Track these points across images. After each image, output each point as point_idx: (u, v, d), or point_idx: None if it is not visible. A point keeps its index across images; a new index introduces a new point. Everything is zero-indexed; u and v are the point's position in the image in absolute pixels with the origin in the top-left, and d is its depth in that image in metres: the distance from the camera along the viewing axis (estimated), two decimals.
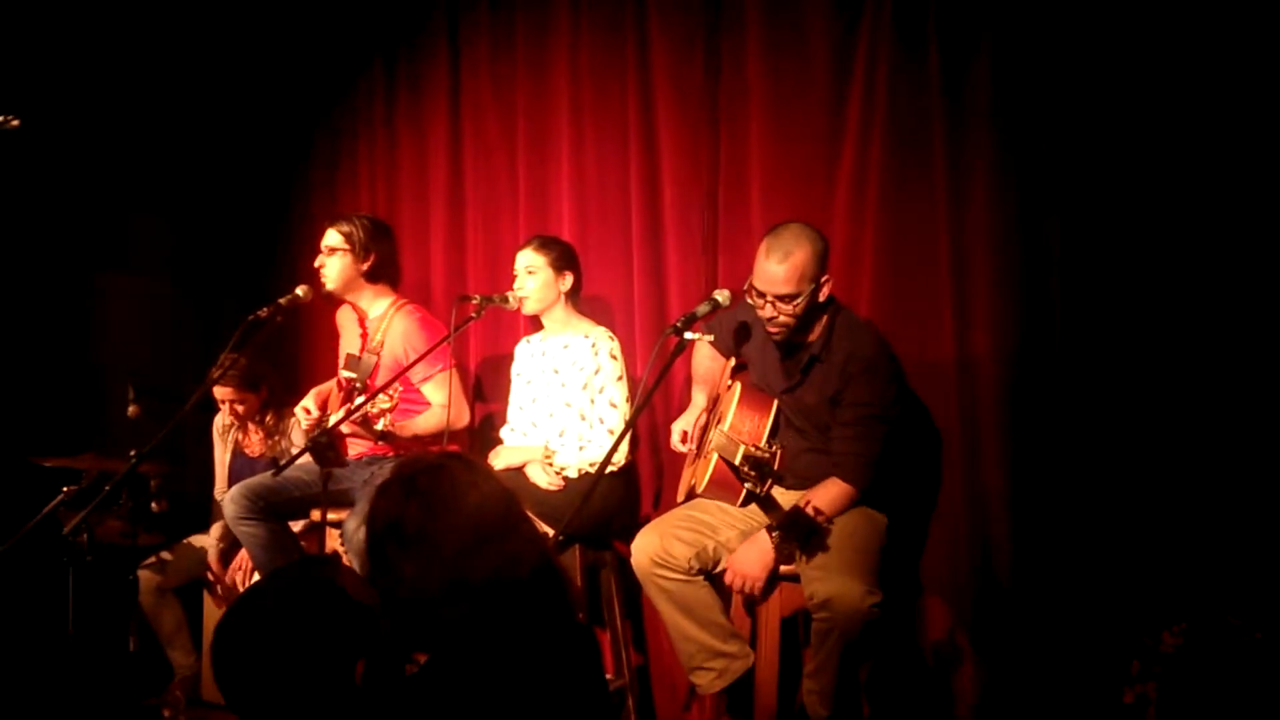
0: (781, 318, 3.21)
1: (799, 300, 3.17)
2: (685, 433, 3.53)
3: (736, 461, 2.91)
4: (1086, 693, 3.19)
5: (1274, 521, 3.00)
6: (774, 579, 3.25)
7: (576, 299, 3.98)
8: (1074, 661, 3.25)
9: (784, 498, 3.16)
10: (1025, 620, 3.36)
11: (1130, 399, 3.23)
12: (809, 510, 3.03)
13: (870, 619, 3.03)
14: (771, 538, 3.11)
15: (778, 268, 3.15)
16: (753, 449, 2.90)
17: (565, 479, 3.77)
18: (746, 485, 2.91)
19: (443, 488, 1.89)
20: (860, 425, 3.19)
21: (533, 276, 3.89)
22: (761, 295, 3.20)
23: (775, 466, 2.93)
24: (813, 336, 3.31)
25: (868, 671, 3.37)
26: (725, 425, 3.27)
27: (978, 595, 3.47)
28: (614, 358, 3.86)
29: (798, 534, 3.07)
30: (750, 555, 3.19)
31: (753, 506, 3.37)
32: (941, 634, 3.55)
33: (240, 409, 4.32)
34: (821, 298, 3.23)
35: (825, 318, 3.30)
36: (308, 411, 4.00)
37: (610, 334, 3.92)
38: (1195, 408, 3.14)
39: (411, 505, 1.87)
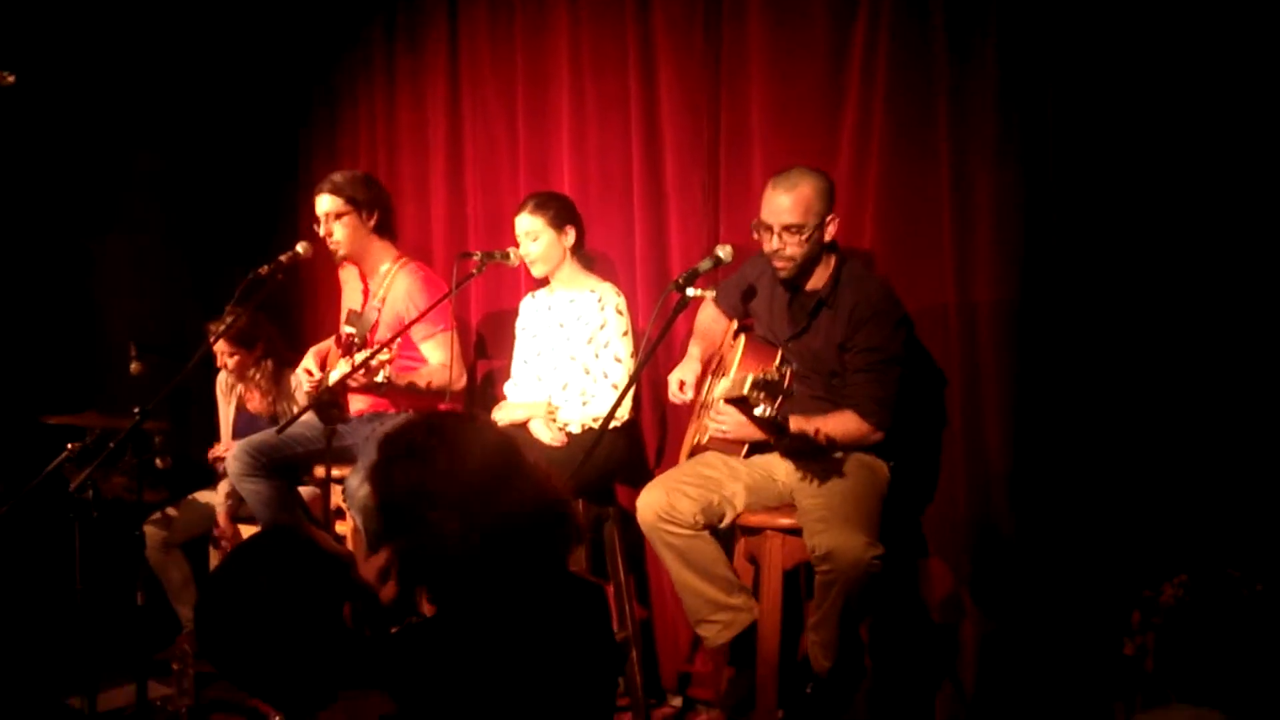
0: (789, 249, 3.25)
1: (805, 231, 3.23)
2: (683, 381, 3.53)
3: (745, 390, 2.88)
4: (1087, 644, 3.22)
5: (1275, 474, 3.01)
6: (778, 530, 3.28)
7: (581, 251, 3.97)
8: (1074, 613, 3.27)
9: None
10: (1026, 572, 3.37)
11: (1132, 349, 3.23)
12: (816, 435, 3.06)
13: (872, 570, 3.05)
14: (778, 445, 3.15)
15: (784, 197, 3.23)
16: (760, 373, 2.89)
17: (568, 434, 3.78)
18: (757, 410, 2.88)
19: (447, 441, 1.92)
20: (873, 369, 3.23)
21: (535, 241, 3.88)
22: (769, 229, 3.26)
23: (786, 384, 2.89)
24: (820, 283, 3.34)
25: (869, 625, 3.40)
26: (730, 375, 3.27)
27: (977, 548, 3.48)
28: (620, 313, 3.86)
29: (801, 454, 3.14)
30: (733, 426, 3.19)
31: (757, 458, 3.38)
32: (942, 588, 3.57)
33: (231, 361, 4.35)
34: (827, 237, 3.28)
35: (833, 265, 3.33)
36: (309, 373, 4.00)
37: (616, 289, 3.92)
38: (1197, 358, 3.13)
39: (419, 466, 1.89)
